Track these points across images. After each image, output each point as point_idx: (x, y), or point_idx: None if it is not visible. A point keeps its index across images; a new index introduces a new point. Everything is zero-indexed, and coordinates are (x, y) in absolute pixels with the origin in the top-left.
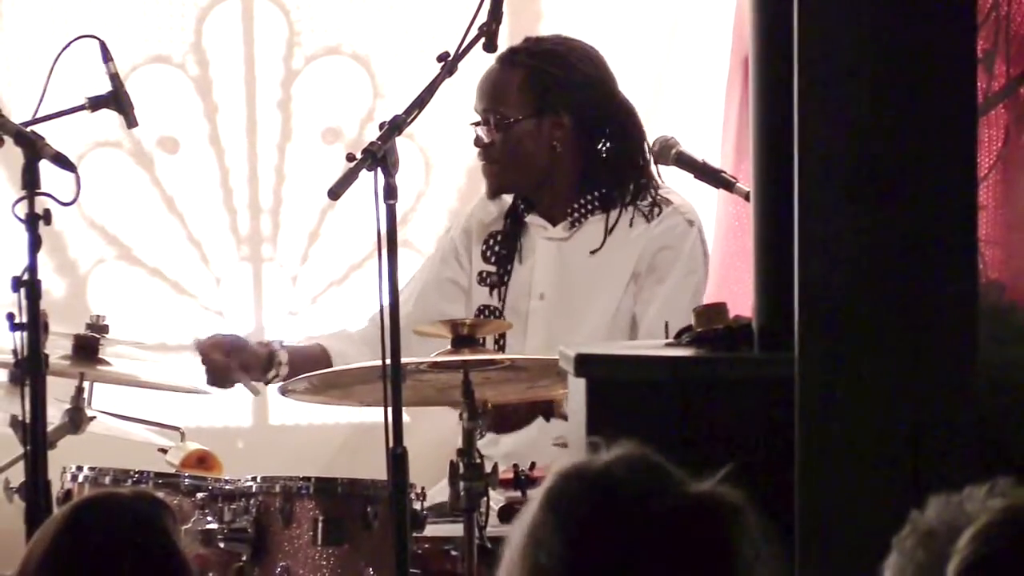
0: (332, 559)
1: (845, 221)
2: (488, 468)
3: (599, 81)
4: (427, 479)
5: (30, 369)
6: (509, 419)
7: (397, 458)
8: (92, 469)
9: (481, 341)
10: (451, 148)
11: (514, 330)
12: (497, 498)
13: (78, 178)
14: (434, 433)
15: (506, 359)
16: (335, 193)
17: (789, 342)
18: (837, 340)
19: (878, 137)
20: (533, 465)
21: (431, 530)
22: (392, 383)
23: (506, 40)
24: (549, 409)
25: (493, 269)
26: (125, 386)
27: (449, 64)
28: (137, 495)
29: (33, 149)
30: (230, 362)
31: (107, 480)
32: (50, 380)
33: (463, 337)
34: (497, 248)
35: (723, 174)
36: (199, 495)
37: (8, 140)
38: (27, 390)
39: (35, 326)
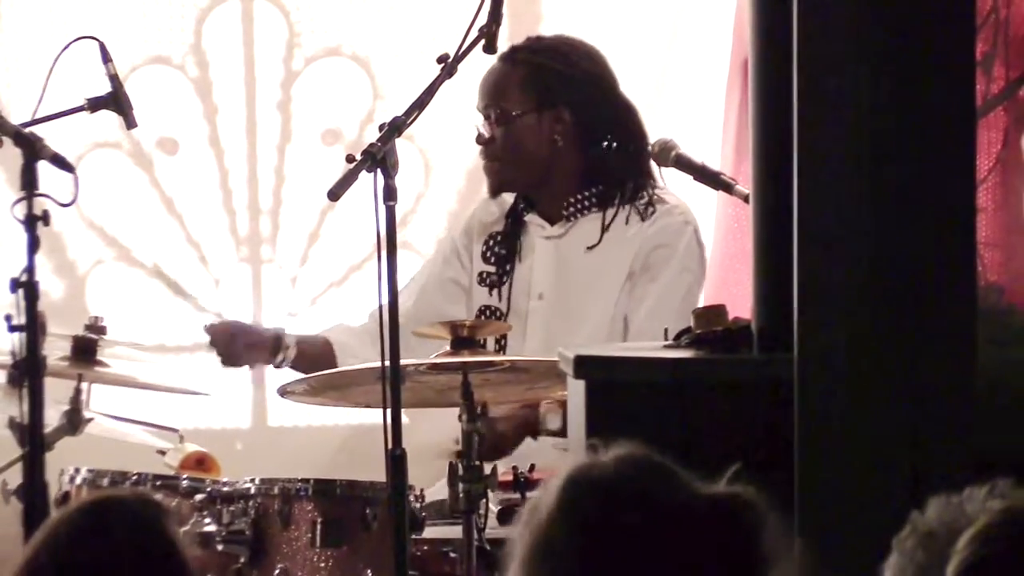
0: (331, 561)
1: (844, 224)
2: (487, 470)
3: (600, 78)
4: (425, 480)
5: (28, 370)
6: (497, 448)
7: (396, 460)
8: (90, 471)
9: (481, 343)
10: (451, 150)
11: (514, 331)
12: (496, 500)
13: (77, 179)
14: (434, 434)
15: (506, 361)
16: (335, 194)
17: (788, 344)
18: (836, 342)
19: (877, 140)
20: (532, 467)
21: (430, 532)
22: (391, 385)
23: (506, 42)
24: (535, 429)
25: (492, 269)
26: (123, 387)
27: (449, 66)
28: (136, 497)
29: (32, 150)
30: (238, 341)
31: (105, 482)
32: (48, 381)
33: (462, 339)
34: (497, 248)
35: (722, 176)
36: (197, 497)
37: (7, 141)
38: (25, 391)
39: (33, 327)
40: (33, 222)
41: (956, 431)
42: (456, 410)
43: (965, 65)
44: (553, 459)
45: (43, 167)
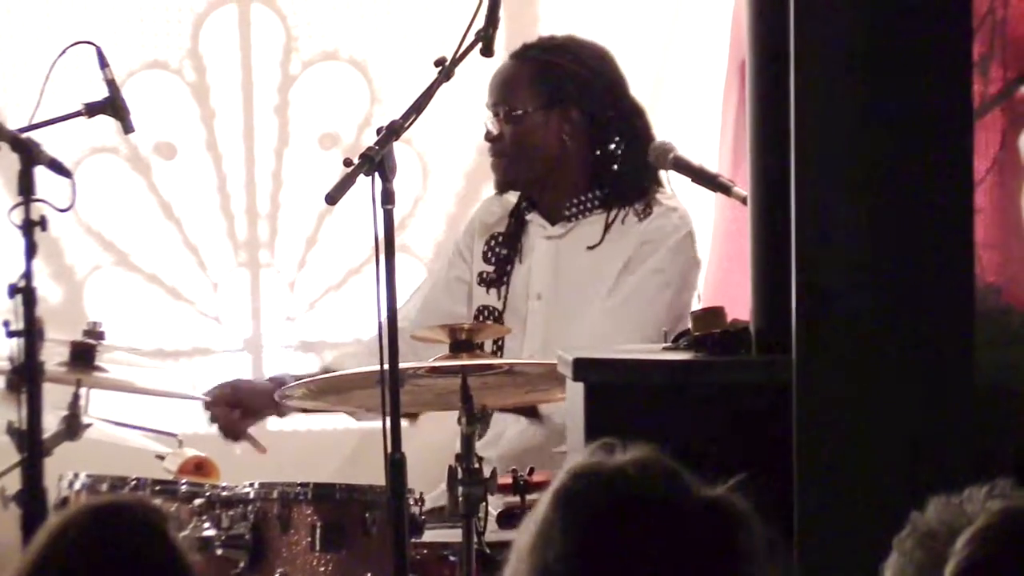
0: (330, 565)
1: (842, 225)
2: (487, 473)
3: (610, 79)
4: (425, 484)
5: (27, 376)
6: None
7: (395, 463)
8: (89, 476)
9: (480, 346)
10: (449, 153)
11: (512, 331)
12: (496, 503)
13: (74, 184)
14: (434, 436)
15: (504, 364)
16: (332, 198)
17: (787, 345)
18: (835, 343)
19: (875, 141)
20: (531, 471)
21: (429, 536)
22: (390, 389)
23: (503, 45)
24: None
25: (491, 269)
26: (122, 392)
27: (446, 69)
28: (140, 503)
29: (29, 155)
30: (237, 417)
31: (104, 487)
32: (46, 387)
33: (461, 342)
34: (497, 249)
35: (720, 178)
36: (196, 502)
37: (4, 146)
38: (24, 397)
39: (31, 333)
40: (30, 227)
41: (955, 431)
42: (456, 412)
43: (962, 66)
44: (552, 462)
45: (40, 172)
